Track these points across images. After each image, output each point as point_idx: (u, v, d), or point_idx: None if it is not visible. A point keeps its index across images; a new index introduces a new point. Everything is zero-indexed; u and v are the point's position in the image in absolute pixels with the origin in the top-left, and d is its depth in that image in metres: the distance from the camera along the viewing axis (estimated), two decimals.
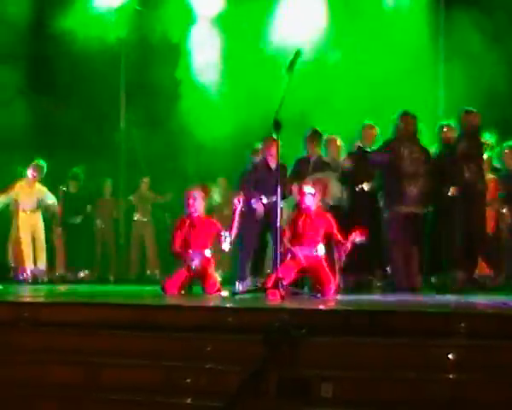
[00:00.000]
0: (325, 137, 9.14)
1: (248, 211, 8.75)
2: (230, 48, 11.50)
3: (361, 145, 9.03)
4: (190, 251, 7.99)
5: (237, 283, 8.82)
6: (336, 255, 7.78)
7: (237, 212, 8.01)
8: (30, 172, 10.87)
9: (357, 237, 7.49)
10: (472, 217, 8.39)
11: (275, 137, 7.36)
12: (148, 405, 5.08)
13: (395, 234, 8.35)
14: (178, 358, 5.29)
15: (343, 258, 7.69)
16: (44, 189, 11.08)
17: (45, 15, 11.67)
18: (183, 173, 11.59)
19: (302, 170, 8.84)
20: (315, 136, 9.07)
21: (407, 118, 8.43)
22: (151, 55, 11.83)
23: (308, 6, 11.26)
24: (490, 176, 9.10)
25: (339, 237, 7.66)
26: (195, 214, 8.06)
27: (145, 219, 12.03)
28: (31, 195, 10.96)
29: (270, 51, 10.89)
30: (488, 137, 8.79)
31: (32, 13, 11.69)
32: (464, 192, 8.36)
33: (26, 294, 8.78)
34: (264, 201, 8.82)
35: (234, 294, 7.54)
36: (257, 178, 8.96)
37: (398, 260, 8.37)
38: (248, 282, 8.80)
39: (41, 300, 7.63)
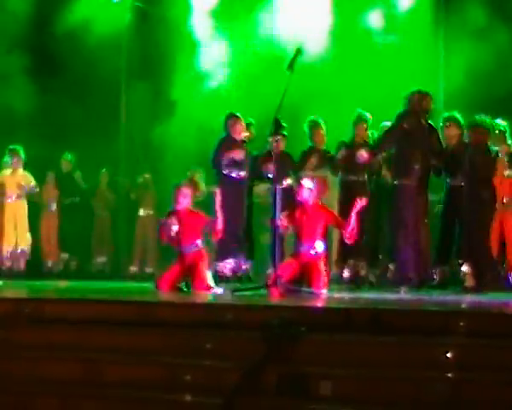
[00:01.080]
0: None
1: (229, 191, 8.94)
2: (232, 43, 11.46)
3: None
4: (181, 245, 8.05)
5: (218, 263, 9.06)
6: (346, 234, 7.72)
7: (219, 205, 8.02)
8: (9, 159, 10.92)
9: (358, 205, 7.57)
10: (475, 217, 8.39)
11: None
12: (147, 401, 5.09)
13: (401, 206, 8.32)
14: (178, 355, 5.31)
15: (354, 230, 7.63)
16: (27, 174, 11.15)
17: (50, 7, 11.66)
18: (184, 164, 11.42)
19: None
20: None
21: (419, 95, 8.45)
22: (153, 46, 11.77)
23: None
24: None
25: (340, 219, 7.80)
26: (181, 208, 8.05)
27: (150, 213, 11.86)
28: (13, 181, 11.02)
29: (272, 47, 10.83)
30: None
31: (37, 5, 11.68)
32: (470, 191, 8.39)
33: (27, 290, 8.81)
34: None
35: (233, 291, 7.56)
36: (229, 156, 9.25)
37: (407, 241, 8.26)
38: (231, 263, 9.05)
39: (41, 296, 7.62)
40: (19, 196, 11.02)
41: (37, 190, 11.27)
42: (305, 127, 9.41)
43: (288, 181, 9.15)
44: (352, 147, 9.10)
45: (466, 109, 8.91)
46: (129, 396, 5.14)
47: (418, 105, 8.41)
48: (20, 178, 11.04)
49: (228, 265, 9.09)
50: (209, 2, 11.76)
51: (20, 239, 11.03)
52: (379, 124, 9.31)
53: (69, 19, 11.46)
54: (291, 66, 7.04)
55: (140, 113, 11.99)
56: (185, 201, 8.04)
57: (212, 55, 11.60)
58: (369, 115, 9.23)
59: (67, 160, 11.73)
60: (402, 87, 9.00)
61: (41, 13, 11.71)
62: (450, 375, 4.72)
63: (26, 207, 11.16)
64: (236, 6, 11.39)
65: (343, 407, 4.71)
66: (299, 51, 7.10)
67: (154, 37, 11.78)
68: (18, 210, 11.07)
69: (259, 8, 11.27)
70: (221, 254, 9.10)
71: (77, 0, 11.57)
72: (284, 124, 8.28)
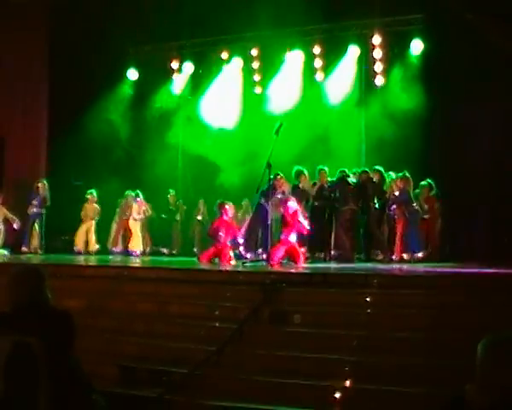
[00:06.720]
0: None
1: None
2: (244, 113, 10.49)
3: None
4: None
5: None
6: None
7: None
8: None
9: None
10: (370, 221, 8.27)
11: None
12: (193, 326, 5.04)
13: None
14: (211, 299, 5.28)
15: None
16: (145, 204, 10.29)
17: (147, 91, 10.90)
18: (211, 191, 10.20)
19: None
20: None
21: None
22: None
23: (289, 82, 9.98)
24: None
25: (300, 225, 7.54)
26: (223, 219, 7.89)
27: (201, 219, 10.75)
28: (137, 208, 10.06)
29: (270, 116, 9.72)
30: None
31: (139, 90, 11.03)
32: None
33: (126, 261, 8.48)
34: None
35: (243, 263, 7.33)
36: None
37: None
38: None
39: (134, 265, 7.57)
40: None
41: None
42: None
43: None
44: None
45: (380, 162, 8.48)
46: (183, 323, 5.12)
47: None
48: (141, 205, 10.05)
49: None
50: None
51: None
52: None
53: (157, 100, 10.88)
54: (277, 132, 6.95)
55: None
56: (224, 215, 7.89)
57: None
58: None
59: (172, 194, 10.68)
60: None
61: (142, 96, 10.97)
62: (368, 311, 4.76)
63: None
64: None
65: (307, 328, 4.71)
66: (281, 124, 7.00)
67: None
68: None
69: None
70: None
71: (158, 94, 10.82)
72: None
